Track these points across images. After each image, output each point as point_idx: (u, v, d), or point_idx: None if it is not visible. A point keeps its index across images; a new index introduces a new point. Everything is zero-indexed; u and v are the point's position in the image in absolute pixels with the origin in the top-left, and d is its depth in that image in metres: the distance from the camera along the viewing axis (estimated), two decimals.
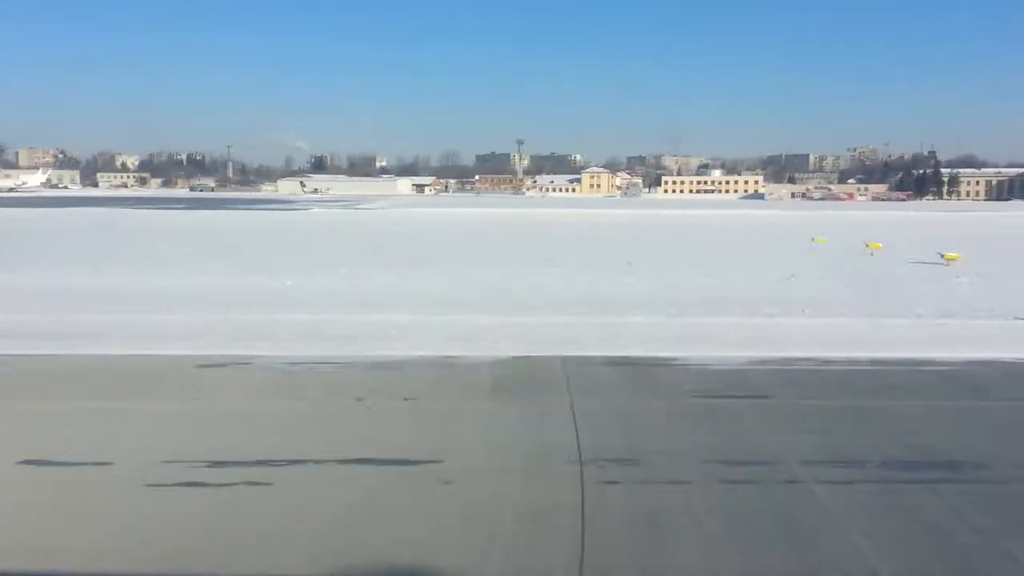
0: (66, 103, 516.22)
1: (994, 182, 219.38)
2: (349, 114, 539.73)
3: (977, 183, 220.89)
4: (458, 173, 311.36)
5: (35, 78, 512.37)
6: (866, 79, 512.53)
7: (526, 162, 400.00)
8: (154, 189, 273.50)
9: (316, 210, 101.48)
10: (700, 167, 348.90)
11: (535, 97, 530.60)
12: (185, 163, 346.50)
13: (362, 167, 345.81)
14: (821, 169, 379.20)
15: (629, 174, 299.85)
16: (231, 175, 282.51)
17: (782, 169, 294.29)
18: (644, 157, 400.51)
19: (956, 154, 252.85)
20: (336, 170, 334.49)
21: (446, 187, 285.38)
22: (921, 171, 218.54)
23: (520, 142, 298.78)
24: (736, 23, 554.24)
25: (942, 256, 37.47)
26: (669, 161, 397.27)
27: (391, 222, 76.65)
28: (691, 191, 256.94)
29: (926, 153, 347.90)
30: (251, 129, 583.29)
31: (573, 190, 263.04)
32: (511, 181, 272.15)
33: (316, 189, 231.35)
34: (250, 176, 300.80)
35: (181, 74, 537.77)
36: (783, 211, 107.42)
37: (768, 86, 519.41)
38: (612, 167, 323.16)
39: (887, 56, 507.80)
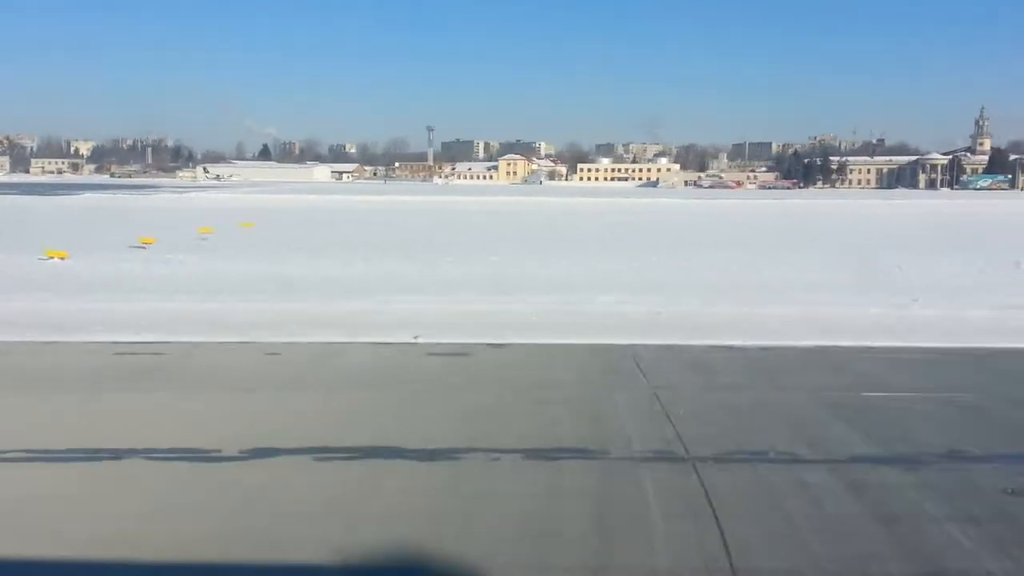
0: (35, 91, 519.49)
1: (885, 170, 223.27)
2: (330, 102, 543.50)
3: (869, 171, 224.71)
4: (415, 159, 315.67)
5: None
6: (853, 70, 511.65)
7: (496, 147, 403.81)
8: (85, 175, 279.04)
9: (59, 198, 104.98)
10: (656, 155, 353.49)
11: (511, 85, 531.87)
12: (140, 149, 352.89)
13: (313, 154, 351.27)
14: (784, 156, 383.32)
15: (554, 162, 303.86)
16: (150, 161, 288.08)
17: (699, 156, 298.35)
18: (613, 145, 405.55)
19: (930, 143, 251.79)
20: (299, 157, 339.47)
21: (375, 173, 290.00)
22: (808, 160, 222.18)
23: (431, 129, 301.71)
24: (723, 12, 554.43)
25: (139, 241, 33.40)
26: (637, 148, 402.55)
27: (132, 208, 78.47)
28: (605, 178, 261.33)
29: (874, 141, 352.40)
30: (227, 116, 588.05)
31: (490, 177, 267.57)
32: (428, 168, 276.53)
33: (218, 176, 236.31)
34: (189, 163, 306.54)
35: (159, 63, 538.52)
36: (566, 198, 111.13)
37: (751, 75, 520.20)
38: (575, 154, 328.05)
39: (876, 50, 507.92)
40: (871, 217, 69.06)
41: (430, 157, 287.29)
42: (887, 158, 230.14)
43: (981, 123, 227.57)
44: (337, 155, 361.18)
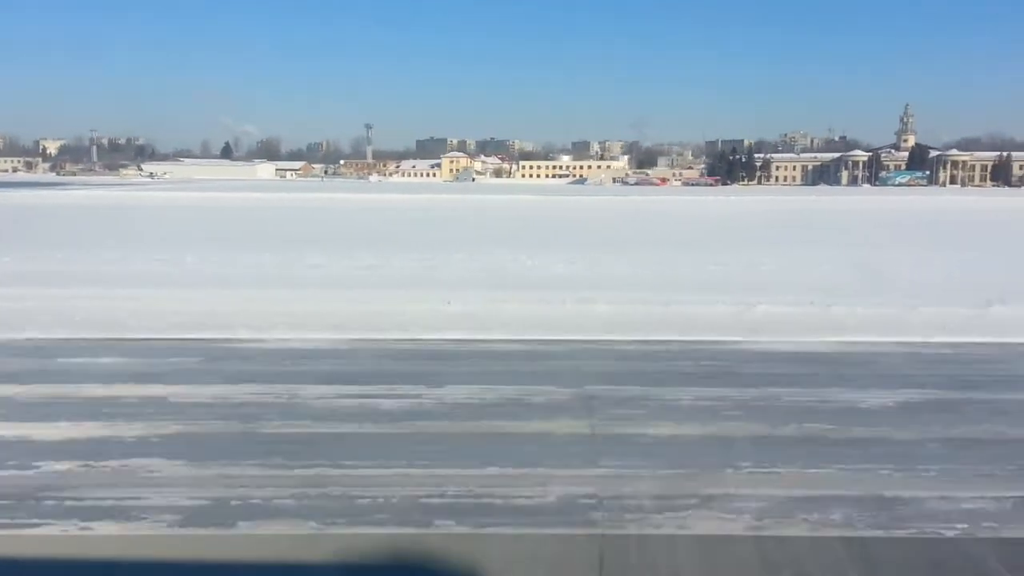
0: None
1: (810, 167, 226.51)
2: (320, 101, 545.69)
3: (794, 168, 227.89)
4: (384, 157, 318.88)
5: None
6: (833, 70, 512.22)
7: (472, 145, 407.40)
8: (37, 174, 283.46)
9: None
10: (622, 152, 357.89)
11: (503, 85, 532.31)
12: (108, 147, 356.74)
13: (274, 152, 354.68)
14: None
15: (501, 159, 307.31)
16: (95, 159, 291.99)
17: (642, 154, 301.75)
18: (588, 143, 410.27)
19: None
20: (267, 155, 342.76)
21: (325, 172, 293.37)
22: (733, 157, 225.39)
23: (369, 126, 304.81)
24: (718, 12, 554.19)
25: None
26: (609, 146, 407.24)
27: None
28: (546, 175, 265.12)
29: (836, 139, 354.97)
30: (206, 115, 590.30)
31: (433, 175, 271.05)
32: (374, 166, 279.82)
33: (151, 174, 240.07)
34: (150, 160, 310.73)
35: (144, 61, 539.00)
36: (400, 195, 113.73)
37: (738, 74, 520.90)
38: (548, 152, 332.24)
39: (858, 49, 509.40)
40: (686, 214, 65.82)
41: (368, 154, 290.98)
42: (813, 155, 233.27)
43: (906, 120, 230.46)
44: (312, 152, 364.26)
